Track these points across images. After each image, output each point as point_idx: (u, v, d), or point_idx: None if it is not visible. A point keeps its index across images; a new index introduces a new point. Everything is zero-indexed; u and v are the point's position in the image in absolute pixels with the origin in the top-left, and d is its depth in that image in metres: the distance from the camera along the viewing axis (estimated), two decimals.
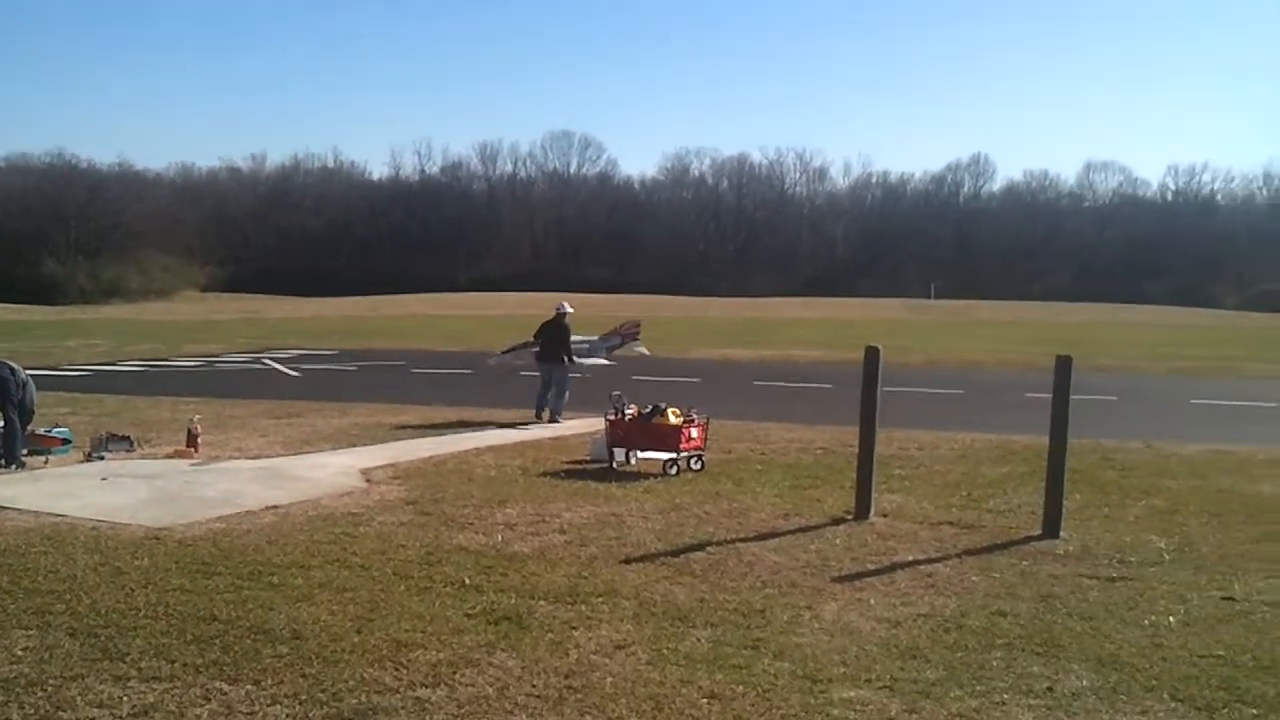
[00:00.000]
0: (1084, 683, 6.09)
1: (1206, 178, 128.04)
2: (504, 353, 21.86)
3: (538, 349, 18.67)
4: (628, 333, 21.94)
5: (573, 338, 18.89)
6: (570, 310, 18.84)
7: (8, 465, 12.35)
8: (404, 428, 16.67)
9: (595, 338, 21.63)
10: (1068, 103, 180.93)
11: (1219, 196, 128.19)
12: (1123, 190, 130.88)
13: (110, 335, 43.63)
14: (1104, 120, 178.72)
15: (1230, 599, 7.82)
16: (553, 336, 18.33)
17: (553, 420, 17.71)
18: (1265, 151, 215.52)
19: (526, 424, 17.39)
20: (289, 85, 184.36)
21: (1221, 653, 6.62)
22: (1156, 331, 57.84)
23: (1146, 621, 7.23)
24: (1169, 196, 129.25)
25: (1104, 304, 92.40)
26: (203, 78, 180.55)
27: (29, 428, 13.07)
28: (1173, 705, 5.80)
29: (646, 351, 21.84)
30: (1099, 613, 7.42)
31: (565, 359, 18.17)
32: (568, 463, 13.53)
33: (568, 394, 18.05)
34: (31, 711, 5.39)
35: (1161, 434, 16.81)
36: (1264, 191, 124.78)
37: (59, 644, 6.35)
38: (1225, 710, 5.75)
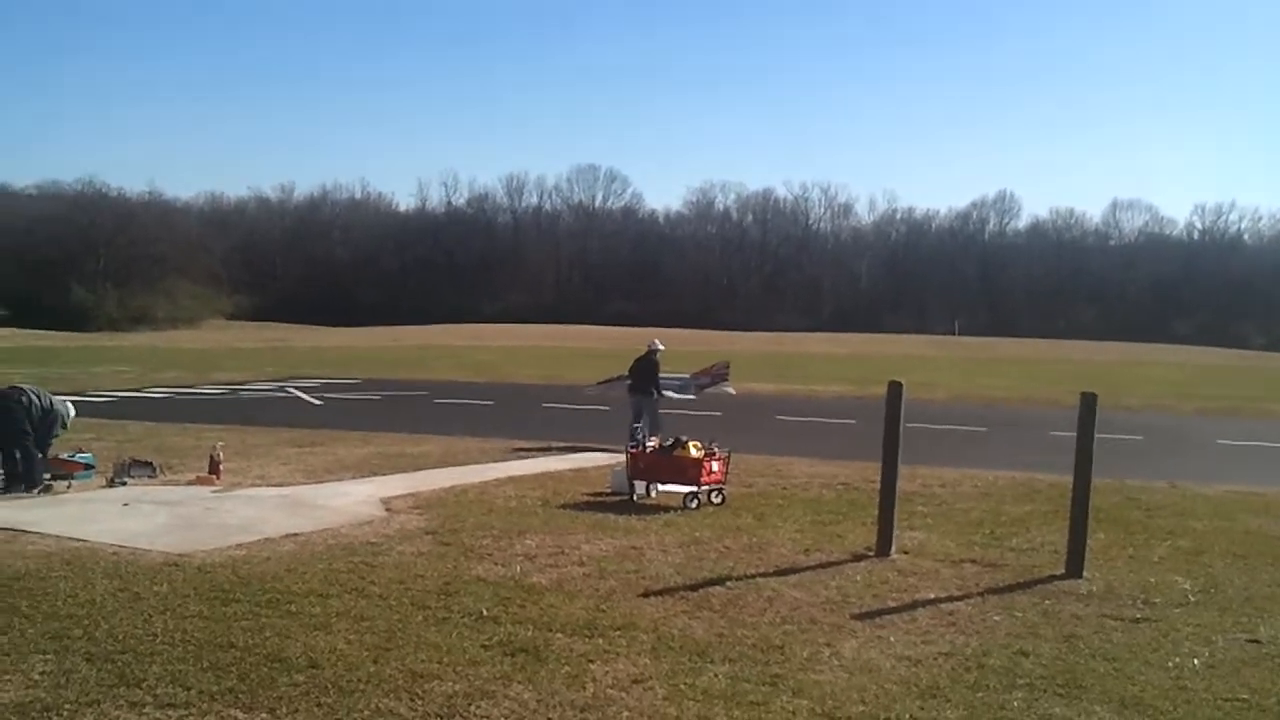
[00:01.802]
0: None
1: (1233, 217, 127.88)
2: (600, 384, 22.42)
3: (629, 382, 19.32)
4: (718, 373, 22.33)
5: (664, 374, 19.62)
6: (662, 348, 19.48)
7: (29, 490, 12.42)
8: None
9: (686, 375, 22.03)
10: (1094, 141, 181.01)
11: (1245, 236, 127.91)
12: (1149, 229, 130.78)
13: (137, 362, 43.96)
14: (1130, 159, 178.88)
15: (1256, 642, 7.70)
16: (643, 371, 19.01)
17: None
18: None
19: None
20: (317, 116, 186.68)
21: (1246, 696, 6.51)
22: (1182, 371, 57.42)
23: (1170, 664, 7.12)
24: (1195, 235, 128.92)
25: (1130, 343, 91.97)
26: (232, 108, 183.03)
27: (50, 450, 13.15)
28: None
29: (733, 391, 22.28)
30: (1122, 654, 7.31)
31: (654, 392, 18.86)
32: (588, 495, 13.50)
33: (659, 425, 18.43)
34: None
35: (1187, 474, 16.65)
36: None
37: (76, 669, 6.34)
38: None
